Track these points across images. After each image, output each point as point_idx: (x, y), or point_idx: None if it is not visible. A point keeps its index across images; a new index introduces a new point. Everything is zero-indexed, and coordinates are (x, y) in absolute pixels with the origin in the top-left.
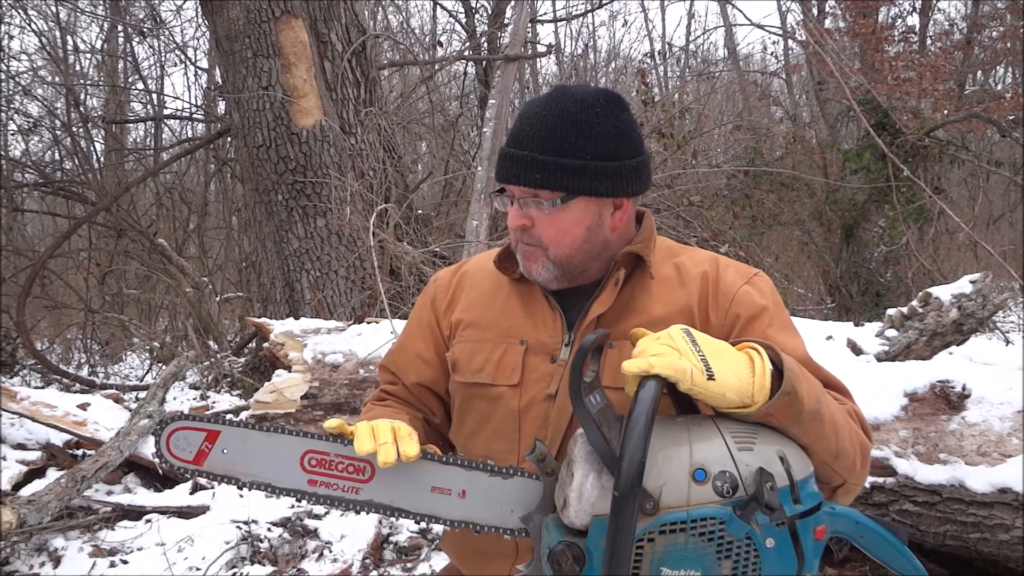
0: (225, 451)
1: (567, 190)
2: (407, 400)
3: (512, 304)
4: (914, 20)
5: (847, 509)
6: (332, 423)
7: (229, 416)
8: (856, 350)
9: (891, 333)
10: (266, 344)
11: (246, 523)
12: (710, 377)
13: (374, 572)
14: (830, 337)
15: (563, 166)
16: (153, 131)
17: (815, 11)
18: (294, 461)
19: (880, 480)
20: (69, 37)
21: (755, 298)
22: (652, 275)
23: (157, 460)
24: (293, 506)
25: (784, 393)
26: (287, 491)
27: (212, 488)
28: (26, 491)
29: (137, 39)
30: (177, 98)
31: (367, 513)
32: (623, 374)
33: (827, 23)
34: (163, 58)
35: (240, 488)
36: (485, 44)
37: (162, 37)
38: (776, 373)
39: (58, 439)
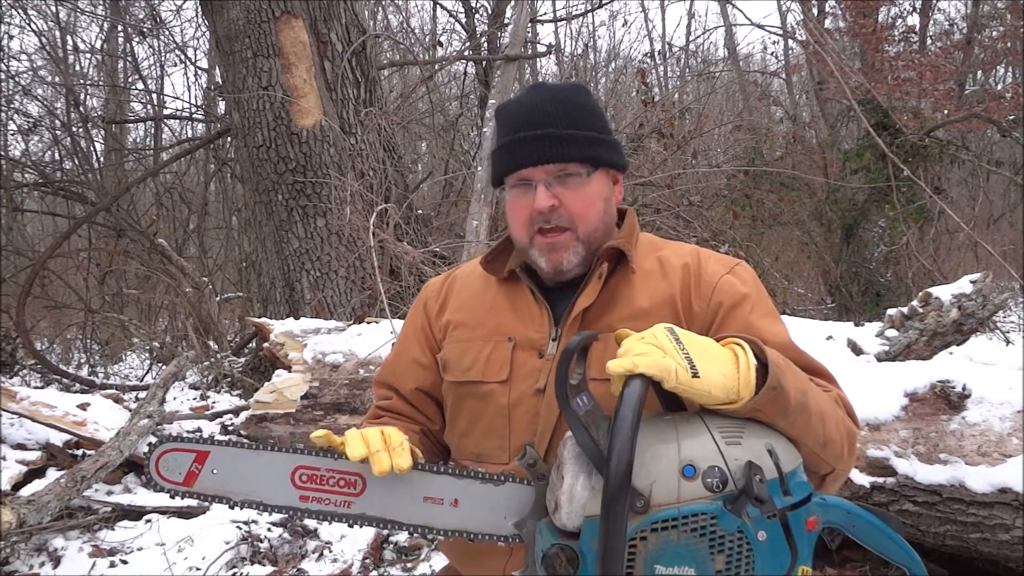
0: (215, 471)
1: (592, 162)
2: (404, 413)
3: (500, 303)
4: (914, 20)
5: (838, 499)
6: (318, 434)
7: (217, 436)
8: (856, 350)
9: (891, 333)
10: (266, 344)
11: (246, 523)
12: (695, 375)
13: (374, 572)
14: (830, 337)
15: (587, 138)
16: (153, 131)
17: (815, 11)
18: (285, 477)
19: (880, 480)
20: (69, 37)
21: (737, 286)
22: (634, 269)
23: (148, 484)
24: None
25: (770, 388)
26: (279, 508)
27: None
28: (26, 491)
29: (137, 39)
30: (177, 98)
31: (360, 526)
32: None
33: (827, 23)
34: (163, 58)
35: (232, 507)
36: (485, 44)
37: (162, 37)
38: (761, 368)
39: (58, 439)
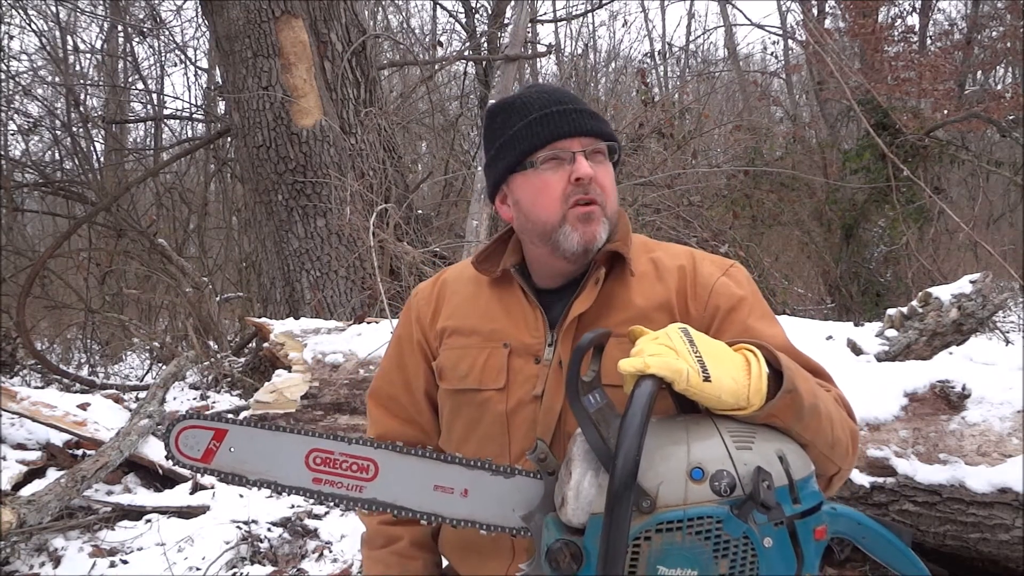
0: (232, 449)
1: (613, 144)
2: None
3: (493, 307)
4: (914, 20)
5: (848, 509)
6: None
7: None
8: (856, 350)
9: (891, 333)
10: (266, 344)
11: (246, 523)
12: (706, 379)
13: None
14: (830, 337)
15: (606, 122)
16: (153, 131)
17: (815, 11)
18: (299, 460)
19: (880, 480)
20: (69, 37)
21: (733, 289)
22: (632, 272)
23: (167, 458)
24: (293, 506)
25: (786, 392)
26: (293, 489)
27: (212, 488)
28: (26, 491)
29: (137, 39)
30: (177, 98)
31: (371, 511)
32: (617, 372)
33: (827, 23)
34: (163, 58)
35: (247, 486)
36: (485, 44)
37: (162, 37)
38: (771, 376)
39: (58, 439)
